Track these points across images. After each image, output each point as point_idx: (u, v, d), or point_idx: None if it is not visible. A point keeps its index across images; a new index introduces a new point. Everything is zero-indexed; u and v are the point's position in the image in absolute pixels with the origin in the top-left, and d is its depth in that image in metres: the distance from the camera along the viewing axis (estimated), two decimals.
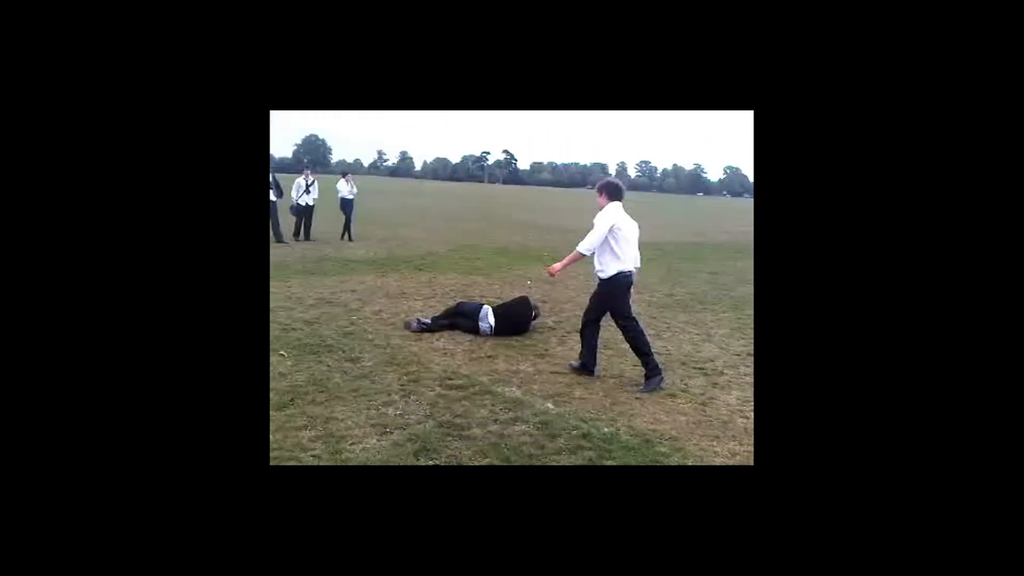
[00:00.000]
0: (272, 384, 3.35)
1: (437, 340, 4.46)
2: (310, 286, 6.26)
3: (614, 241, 3.59)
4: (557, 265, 3.92)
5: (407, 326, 4.74)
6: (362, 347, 4.18)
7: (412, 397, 3.28)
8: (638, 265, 3.80)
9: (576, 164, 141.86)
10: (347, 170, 13.11)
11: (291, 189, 10.35)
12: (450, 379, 3.60)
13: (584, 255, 3.69)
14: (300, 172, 11.01)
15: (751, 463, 2.62)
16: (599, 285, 3.77)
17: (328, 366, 3.74)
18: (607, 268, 3.65)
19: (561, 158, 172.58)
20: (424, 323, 4.73)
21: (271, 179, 10.02)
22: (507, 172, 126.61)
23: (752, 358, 4.34)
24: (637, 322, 3.71)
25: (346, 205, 11.02)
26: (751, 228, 17.82)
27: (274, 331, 4.44)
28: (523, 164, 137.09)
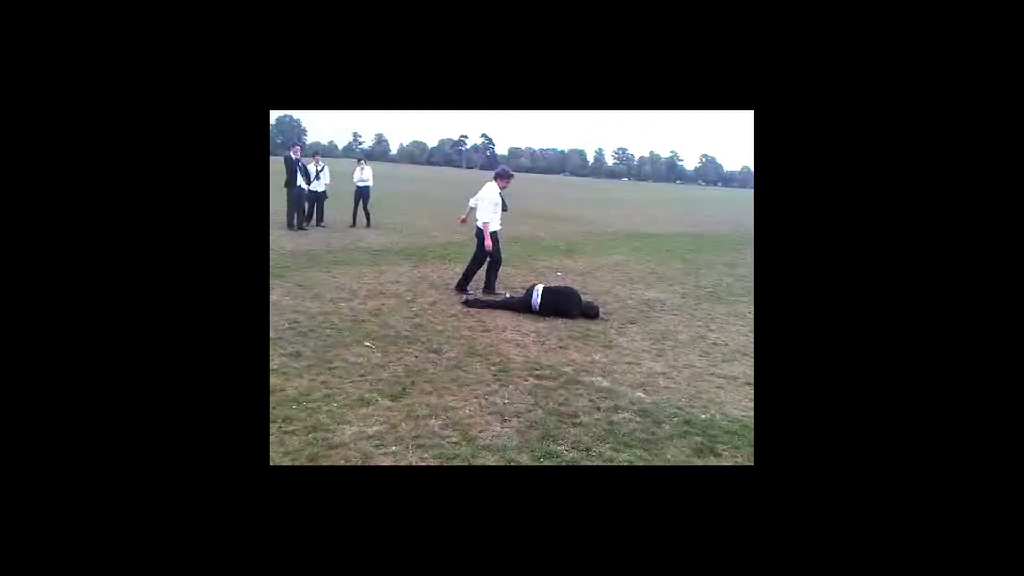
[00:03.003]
0: (376, 374, 3.50)
1: (504, 332, 4.64)
2: (354, 276, 6.34)
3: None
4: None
5: (466, 302, 5.44)
6: (437, 338, 4.33)
7: (511, 386, 3.47)
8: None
9: (554, 150, 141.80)
10: (360, 157, 13.03)
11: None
12: (536, 369, 3.79)
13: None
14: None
15: None
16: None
17: (416, 357, 3.89)
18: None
19: (539, 144, 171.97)
20: (481, 300, 5.51)
21: (299, 166, 9.99)
22: (485, 157, 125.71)
23: None
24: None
25: (362, 192, 11.03)
26: (742, 218, 18.09)
27: (345, 322, 4.56)
28: (501, 149, 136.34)
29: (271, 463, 2.43)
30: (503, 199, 5.76)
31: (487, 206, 5.60)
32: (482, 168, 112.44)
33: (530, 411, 3.14)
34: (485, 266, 5.84)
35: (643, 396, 3.45)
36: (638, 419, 3.13)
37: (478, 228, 5.69)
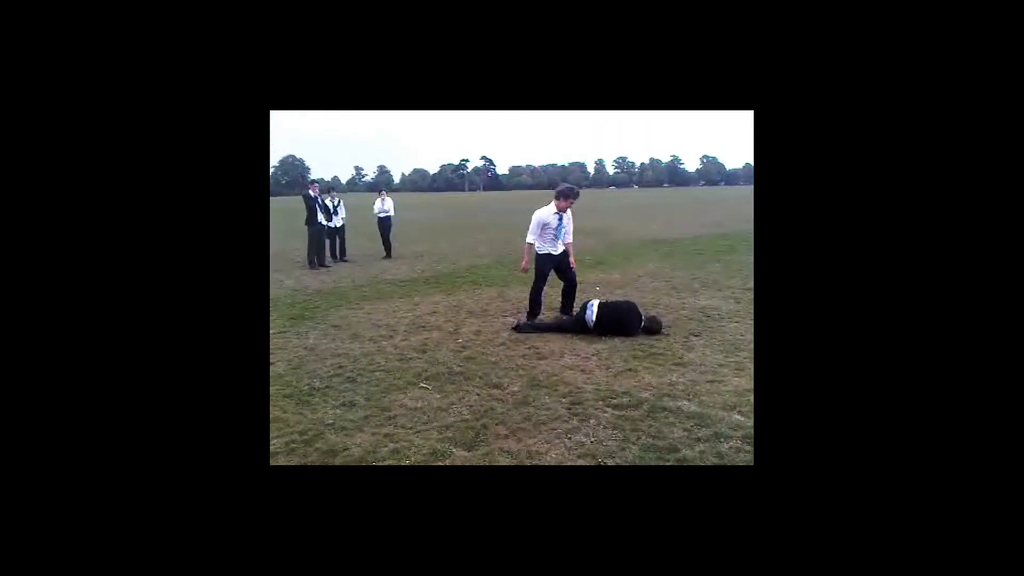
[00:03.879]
0: (441, 420, 3.16)
1: (562, 357, 4.29)
2: (388, 311, 6.04)
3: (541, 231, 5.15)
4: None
5: (516, 327, 5.04)
6: (494, 371, 3.99)
7: (591, 421, 3.12)
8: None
9: (554, 165, 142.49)
10: (382, 187, 13.09)
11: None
12: (612, 398, 3.43)
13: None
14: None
15: None
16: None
17: (478, 395, 3.55)
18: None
19: (539, 160, 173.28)
20: (531, 324, 5.06)
21: (319, 203, 9.82)
22: (487, 178, 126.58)
23: None
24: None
25: (384, 222, 10.88)
26: (741, 213, 17.36)
27: (392, 362, 4.24)
28: (501, 169, 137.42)
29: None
30: (559, 223, 5.10)
31: (532, 227, 5.10)
32: (485, 189, 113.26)
33: (623, 449, 2.78)
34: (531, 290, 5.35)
35: (742, 419, 3.08)
36: (747, 447, 2.75)
37: (536, 253, 5.16)
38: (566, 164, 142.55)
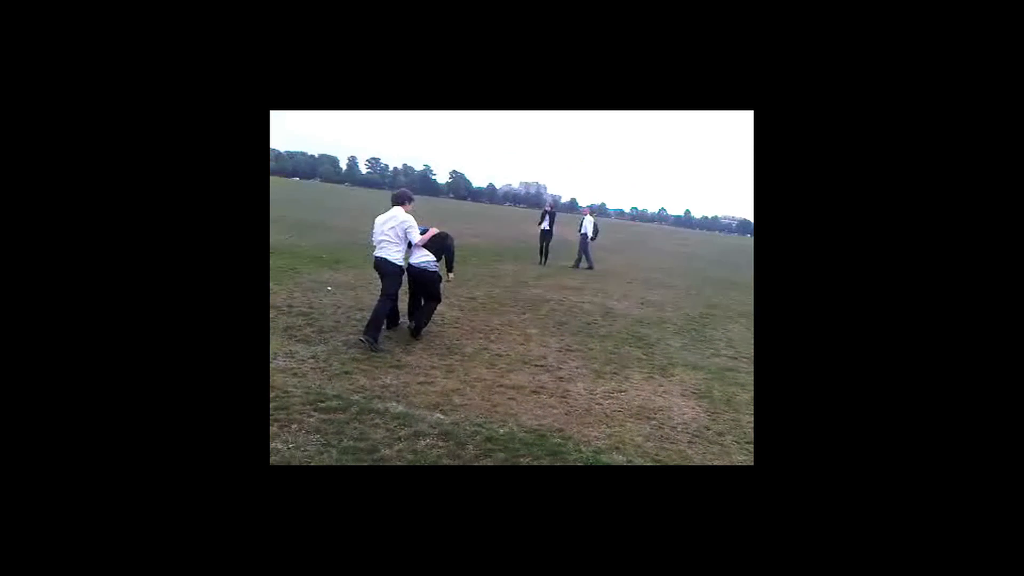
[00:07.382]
0: None
1: (275, 359, 4.02)
2: None
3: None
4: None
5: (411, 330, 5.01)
6: None
7: (294, 426, 3.00)
8: (376, 254, 4.82)
9: (304, 154, 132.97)
10: None
11: None
12: (321, 401, 3.37)
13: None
14: None
15: (622, 442, 3.27)
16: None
17: None
18: None
19: (286, 146, 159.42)
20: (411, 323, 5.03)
21: None
22: None
23: (571, 352, 5.15)
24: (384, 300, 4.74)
25: None
26: (494, 230, 19.46)
27: None
28: None
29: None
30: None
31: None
32: None
33: (322, 453, 2.75)
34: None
35: (442, 417, 3.35)
36: (441, 443, 3.01)
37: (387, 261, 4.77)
38: (316, 155, 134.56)
